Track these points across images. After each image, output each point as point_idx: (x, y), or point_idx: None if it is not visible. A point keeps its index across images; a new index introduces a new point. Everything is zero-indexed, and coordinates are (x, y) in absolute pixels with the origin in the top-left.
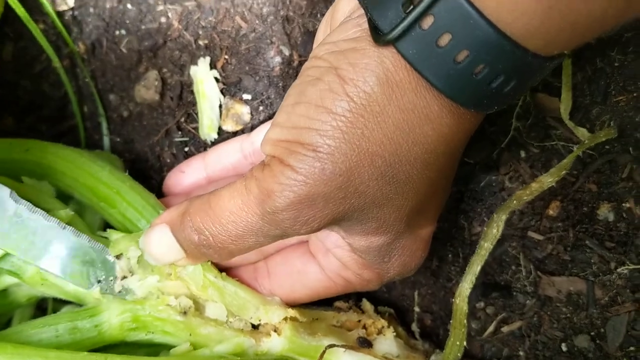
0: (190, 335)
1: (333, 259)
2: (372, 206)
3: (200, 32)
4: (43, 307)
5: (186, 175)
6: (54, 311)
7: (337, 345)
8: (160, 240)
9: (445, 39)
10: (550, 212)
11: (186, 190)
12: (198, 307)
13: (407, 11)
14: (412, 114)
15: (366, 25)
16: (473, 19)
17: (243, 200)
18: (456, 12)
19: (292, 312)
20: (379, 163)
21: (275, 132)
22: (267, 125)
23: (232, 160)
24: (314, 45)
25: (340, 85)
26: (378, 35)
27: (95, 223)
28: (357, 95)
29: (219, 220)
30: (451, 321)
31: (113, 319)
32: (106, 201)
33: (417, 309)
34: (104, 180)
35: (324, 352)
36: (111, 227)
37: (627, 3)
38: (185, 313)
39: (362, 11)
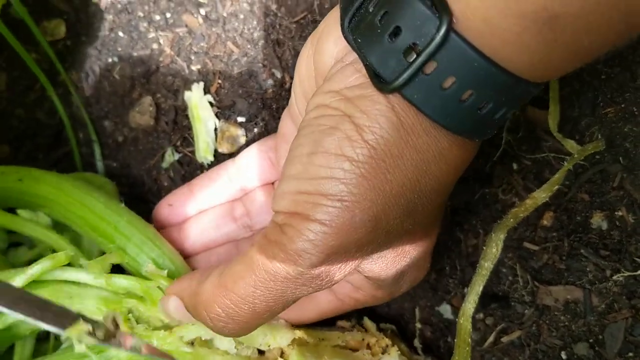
0: None
1: (345, 282)
2: (394, 240)
3: (193, 58)
4: (42, 336)
5: (175, 209)
6: (56, 343)
7: None
8: (178, 308)
9: (449, 82)
10: (545, 222)
11: (178, 223)
12: (206, 339)
13: (410, 60)
14: (427, 153)
15: (364, 71)
16: (477, 62)
17: (268, 270)
18: (460, 57)
19: (299, 334)
20: (402, 202)
21: (292, 184)
22: (252, 149)
23: (219, 189)
24: (297, 82)
25: (358, 132)
26: (382, 83)
27: (93, 252)
28: (375, 141)
29: (243, 300)
30: (455, 340)
31: (121, 355)
32: (104, 236)
33: (418, 325)
34: (100, 214)
35: None
36: None
37: (626, 26)
38: (192, 344)
39: (354, 55)
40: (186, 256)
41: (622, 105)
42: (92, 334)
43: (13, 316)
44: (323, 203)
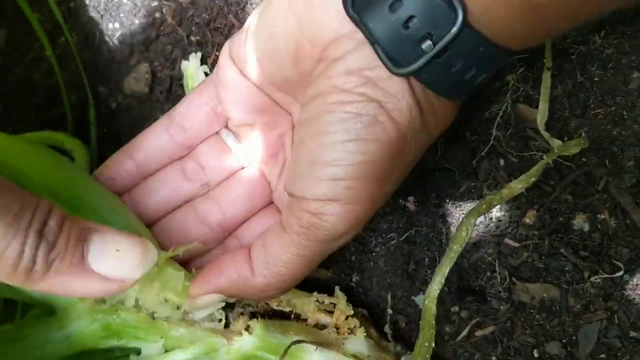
0: (162, 338)
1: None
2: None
3: (194, 29)
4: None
5: (119, 181)
6: (22, 313)
7: (304, 341)
8: (207, 300)
9: (457, 64)
10: (527, 220)
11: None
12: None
13: (424, 47)
14: (433, 122)
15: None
16: (483, 46)
17: (313, 252)
18: (470, 45)
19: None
20: (412, 164)
21: (327, 171)
22: (191, 102)
23: (162, 148)
24: (261, 33)
25: (387, 116)
26: (397, 67)
27: None
28: (403, 122)
29: (294, 278)
30: (420, 322)
31: (84, 329)
32: (67, 206)
33: (390, 311)
34: (64, 184)
35: (288, 347)
36: None
37: (599, 7)
38: (154, 318)
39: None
40: (147, 225)
41: (613, 108)
42: None
43: None
44: (360, 186)
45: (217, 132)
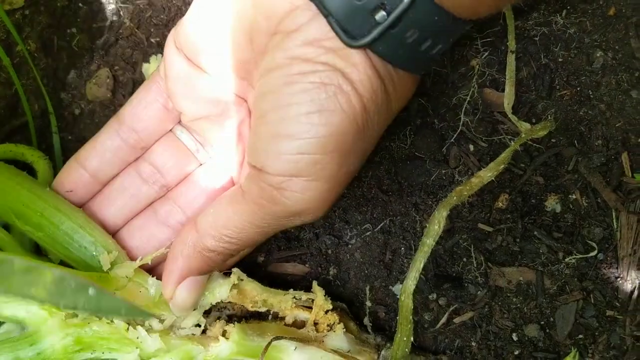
0: (137, 348)
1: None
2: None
3: (152, 30)
4: None
5: (76, 194)
6: None
7: (283, 338)
8: (189, 291)
9: (411, 34)
10: (500, 204)
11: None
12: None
13: (378, 18)
14: (393, 94)
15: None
16: (437, 15)
17: (268, 223)
18: (423, 14)
19: (234, 278)
20: (375, 140)
21: (291, 145)
22: (138, 102)
23: (115, 154)
24: (206, 13)
25: (351, 86)
26: (350, 38)
27: (25, 242)
28: (366, 94)
29: (244, 243)
30: (397, 318)
31: (56, 344)
32: (30, 225)
33: (368, 303)
34: (25, 202)
35: (267, 346)
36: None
37: None
38: (128, 329)
39: (313, 6)
40: (110, 234)
41: (578, 89)
42: None
43: None
44: (326, 160)
45: (171, 130)
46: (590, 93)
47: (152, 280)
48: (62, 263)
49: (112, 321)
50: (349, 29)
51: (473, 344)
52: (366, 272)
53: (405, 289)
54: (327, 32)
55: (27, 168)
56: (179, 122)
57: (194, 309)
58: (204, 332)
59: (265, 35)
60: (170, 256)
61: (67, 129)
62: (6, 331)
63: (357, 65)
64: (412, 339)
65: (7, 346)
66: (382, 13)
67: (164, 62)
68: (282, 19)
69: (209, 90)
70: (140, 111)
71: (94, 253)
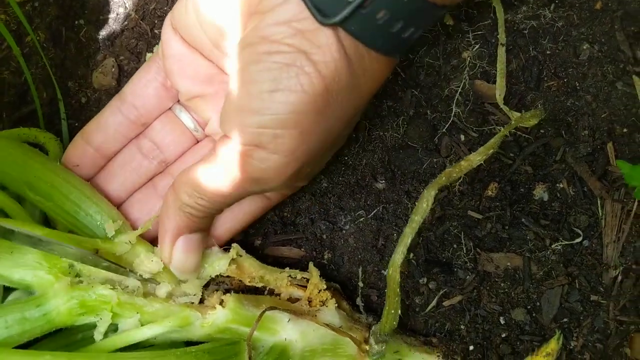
0: (138, 313)
1: None
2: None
3: (156, 22)
4: None
5: (82, 169)
6: (4, 297)
7: (277, 309)
8: (186, 250)
9: (381, 14)
10: (489, 192)
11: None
12: (147, 289)
13: None
14: (363, 76)
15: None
16: None
17: (235, 186)
18: None
19: (233, 253)
20: (341, 122)
21: (254, 119)
22: (139, 80)
23: (118, 130)
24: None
25: (314, 68)
26: (324, 17)
27: (35, 214)
28: (329, 74)
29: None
30: (386, 290)
31: (61, 307)
32: (41, 195)
33: (361, 284)
34: (37, 174)
35: (261, 314)
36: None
37: None
38: (130, 293)
39: None
40: (114, 206)
41: (565, 80)
42: None
43: None
44: (285, 136)
45: (170, 108)
46: (577, 84)
47: (152, 253)
48: (70, 232)
49: (114, 287)
50: (322, 8)
51: (462, 327)
52: (359, 256)
53: (393, 263)
54: (298, 13)
55: (39, 149)
56: (178, 100)
57: (196, 272)
58: (202, 302)
59: (247, 15)
60: (160, 220)
61: (74, 116)
62: (16, 297)
63: (322, 47)
64: (399, 312)
65: (15, 307)
66: None
67: (161, 42)
68: (260, 0)
69: (203, 70)
70: (140, 89)
71: (100, 222)
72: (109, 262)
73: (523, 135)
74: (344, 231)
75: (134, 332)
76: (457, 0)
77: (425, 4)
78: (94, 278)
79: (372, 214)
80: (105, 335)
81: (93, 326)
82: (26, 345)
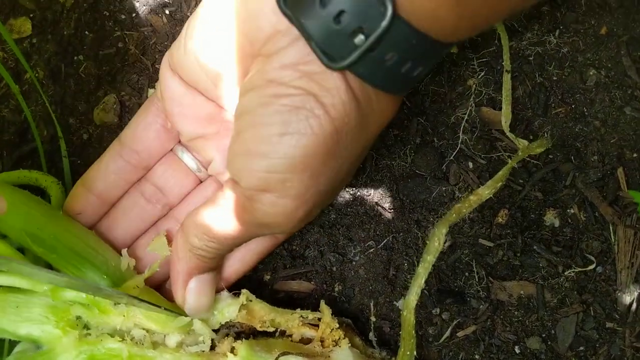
0: None
1: None
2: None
3: (157, 56)
4: None
5: (85, 216)
6: (9, 351)
7: (290, 354)
8: (199, 291)
9: (390, 56)
10: (500, 219)
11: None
12: (155, 339)
13: (356, 41)
14: (372, 115)
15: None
16: (415, 39)
17: (244, 230)
18: (401, 36)
19: (243, 299)
20: (351, 161)
21: (262, 163)
22: (138, 124)
23: (120, 176)
24: (198, 34)
25: (324, 110)
26: (331, 61)
27: (41, 264)
28: (338, 117)
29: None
30: (401, 332)
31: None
32: (45, 247)
33: (373, 318)
34: (39, 225)
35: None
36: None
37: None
38: (140, 344)
39: (294, 30)
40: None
41: (573, 106)
42: None
43: None
44: (294, 180)
45: (172, 149)
46: (585, 110)
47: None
48: None
49: (123, 339)
50: (329, 52)
51: (477, 357)
52: (370, 288)
53: (408, 304)
54: (305, 55)
55: (40, 193)
56: (179, 141)
57: (209, 311)
58: (212, 348)
59: (250, 58)
60: (171, 263)
61: (76, 154)
62: (22, 350)
63: (331, 89)
64: (415, 353)
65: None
66: (361, 37)
67: (159, 83)
68: (264, 43)
69: (204, 110)
70: (140, 132)
71: (105, 274)
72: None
73: (532, 161)
74: (354, 262)
75: None
76: (465, 36)
77: (434, 44)
78: (101, 329)
79: (382, 244)
80: None
81: None
82: None
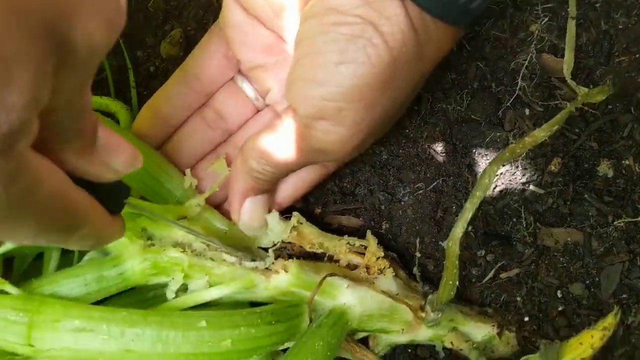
0: (207, 275)
1: None
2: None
3: None
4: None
5: (151, 139)
6: (80, 255)
7: (336, 275)
8: (253, 209)
9: None
10: (552, 168)
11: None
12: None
13: None
14: (429, 46)
15: None
16: None
17: (299, 156)
18: None
19: (294, 220)
20: (406, 92)
21: (319, 90)
22: (202, 52)
23: (183, 101)
24: None
25: (382, 39)
26: None
27: None
28: (396, 47)
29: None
30: (444, 262)
31: (135, 267)
32: None
33: (418, 254)
34: None
35: (322, 280)
36: None
37: None
38: (200, 256)
39: None
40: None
41: (637, 56)
42: None
43: None
44: (349, 109)
45: (232, 78)
46: None
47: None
48: (142, 198)
49: (185, 250)
50: None
51: (518, 298)
52: (417, 228)
53: (453, 236)
54: None
55: (110, 117)
56: (239, 70)
57: (262, 230)
58: (266, 268)
59: None
60: (229, 183)
61: (143, 84)
62: (92, 257)
63: (390, 17)
64: (457, 283)
65: (93, 267)
66: None
67: (222, 11)
68: None
69: (264, 40)
70: (203, 60)
71: (170, 188)
72: (181, 225)
73: (590, 110)
74: (402, 202)
75: (203, 292)
76: None
77: None
78: (164, 241)
79: (432, 186)
80: (176, 294)
81: (163, 285)
82: (101, 302)
